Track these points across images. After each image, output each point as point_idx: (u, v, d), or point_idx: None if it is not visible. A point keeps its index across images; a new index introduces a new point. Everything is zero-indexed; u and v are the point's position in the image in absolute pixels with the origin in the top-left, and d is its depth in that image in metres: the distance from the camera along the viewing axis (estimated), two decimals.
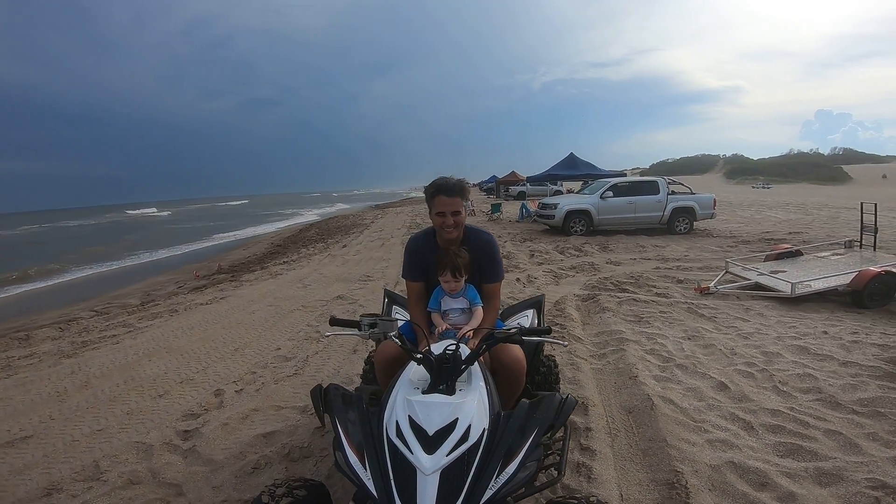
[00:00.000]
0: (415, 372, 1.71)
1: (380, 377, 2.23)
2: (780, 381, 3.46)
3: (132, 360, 4.74)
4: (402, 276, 2.58)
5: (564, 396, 1.60)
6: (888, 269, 5.57)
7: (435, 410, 1.43)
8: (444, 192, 2.30)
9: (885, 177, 62.16)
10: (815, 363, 3.81)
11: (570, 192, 24.32)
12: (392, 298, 3.11)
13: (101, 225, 45.69)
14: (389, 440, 1.42)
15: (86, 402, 3.77)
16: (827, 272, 6.16)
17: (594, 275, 7.68)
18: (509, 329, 1.84)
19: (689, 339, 4.52)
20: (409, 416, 1.44)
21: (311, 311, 6.23)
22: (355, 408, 1.58)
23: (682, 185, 13.60)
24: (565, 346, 2.33)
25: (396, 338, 1.85)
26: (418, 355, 1.67)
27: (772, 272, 6.45)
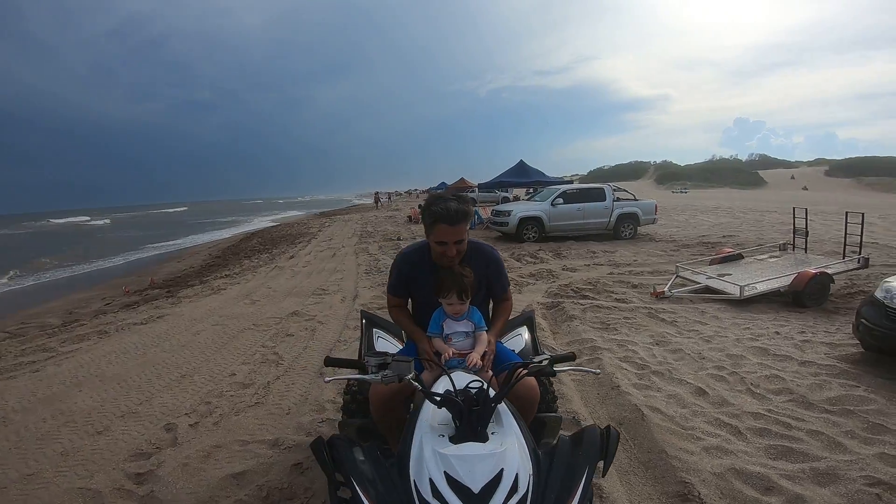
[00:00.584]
0: (433, 415, 1.47)
1: (377, 416, 1.99)
2: (752, 384, 3.58)
3: (58, 391, 4.13)
4: (388, 291, 2.33)
5: (604, 428, 1.47)
6: (823, 270, 6.04)
7: (477, 464, 1.24)
8: (446, 220, 1.98)
9: (793, 178, 68.90)
10: (777, 364, 3.99)
11: (516, 198, 24.79)
12: (371, 321, 2.76)
13: (17, 237, 40.80)
14: (424, 501, 1.22)
15: (7, 442, 3.21)
16: (768, 274, 6.58)
17: (553, 282, 7.77)
18: (539, 361, 1.66)
19: (657, 344, 4.61)
20: (445, 471, 1.24)
21: (265, 330, 5.76)
22: (370, 462, 1.37)
23: (626, 191, 14.23)
24: (598, 375, 2.12)
25: (414, 380, 1.59)
26: (437, 398, 1.45)
27: (719, 275, 6.80)
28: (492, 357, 2.02)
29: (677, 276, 7.22)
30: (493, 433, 1.38)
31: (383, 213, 30.91)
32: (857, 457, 2.56)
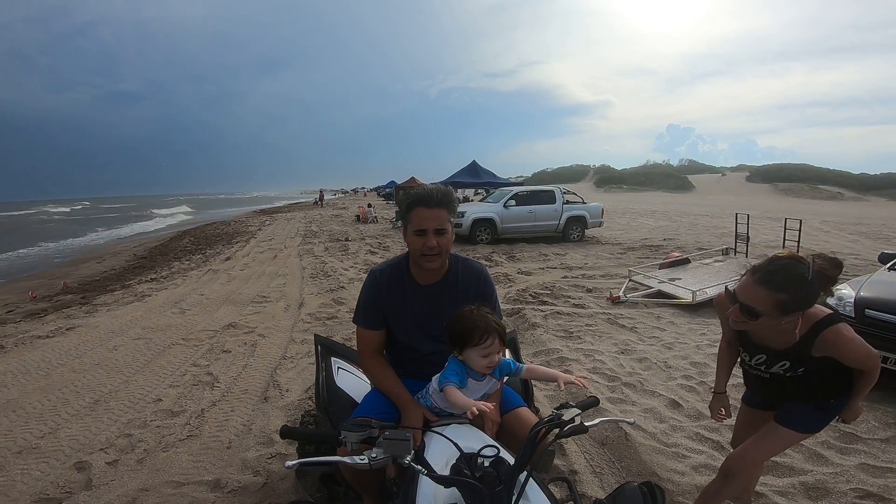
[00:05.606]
0: (435, 496, 1.13)
1: (349, 476, 1.64)
2: None
3: None
4: (355, 322, 1.87)
5: (643, 484, 1.19)
6: None
7: None
8: (423, 202, 1.69)
9: (723, 175, 73.80)
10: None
11: (466, 199, 24.79)
12: (328, 349, 2.28)
13: None
14: None
15: None
16: (716, 279, 6.78)
17: (511, 286, 7.62)
18: (570, 416, 1.28)
19: (622, 353, 4.52)
20: None
21: (196, 345, 5.07)
22: None
23: (575, 194, 14.48)
24: (632, 424, 1.86)
25: (414, 462, 1.17)
26: (445, 476, 1.12)
27: (670, 280, 6.93)
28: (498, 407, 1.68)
29: (630, 281, 7.29)
30: None
31: (328, 212, 29.80)
32: (841, 468, 2.55)
